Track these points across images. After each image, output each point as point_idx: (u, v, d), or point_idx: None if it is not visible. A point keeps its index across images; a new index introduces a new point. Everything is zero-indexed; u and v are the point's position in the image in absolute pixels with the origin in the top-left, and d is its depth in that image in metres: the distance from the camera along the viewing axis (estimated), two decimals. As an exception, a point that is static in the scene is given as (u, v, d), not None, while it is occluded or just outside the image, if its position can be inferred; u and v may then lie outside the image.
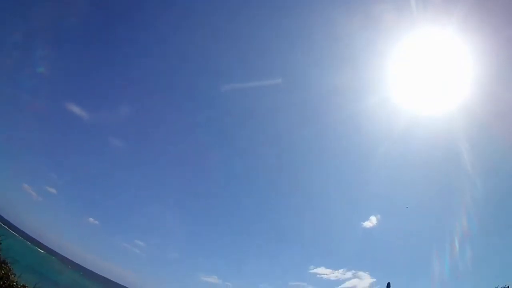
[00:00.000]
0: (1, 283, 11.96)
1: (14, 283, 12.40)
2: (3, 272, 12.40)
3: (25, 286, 12.87)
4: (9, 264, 13.44)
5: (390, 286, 11.47)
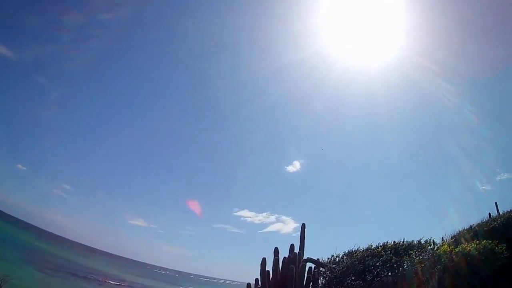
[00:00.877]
0: None
1: None
2: None
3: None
4: None
5: (305, 227, 12.23)
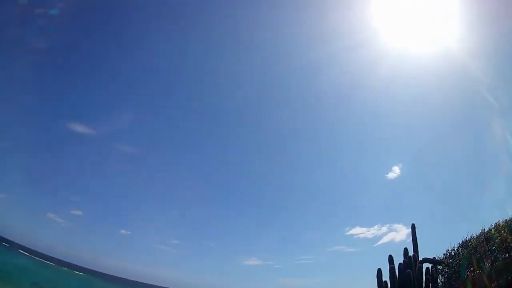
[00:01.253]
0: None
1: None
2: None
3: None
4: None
5: (415, 228, 12.21)
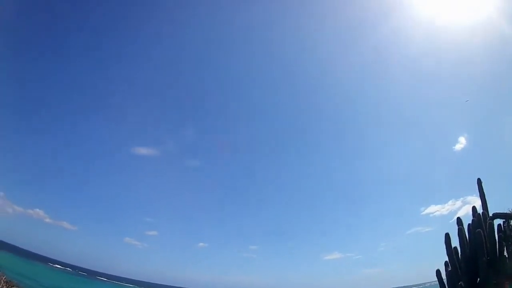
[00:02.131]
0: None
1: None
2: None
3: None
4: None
5: (481, 182, 11.02)
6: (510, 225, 11.06)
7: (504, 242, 10.84)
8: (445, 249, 11.26)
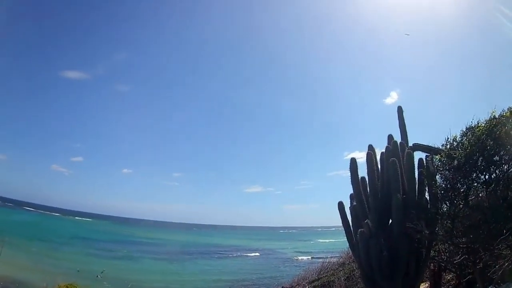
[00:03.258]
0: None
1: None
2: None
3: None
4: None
5: (402, 111, 8.48)
6: (435, 161, 8.17)
7: (426, 180, 7.90)
8: (350, 176, 8.09)
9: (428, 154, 8.46)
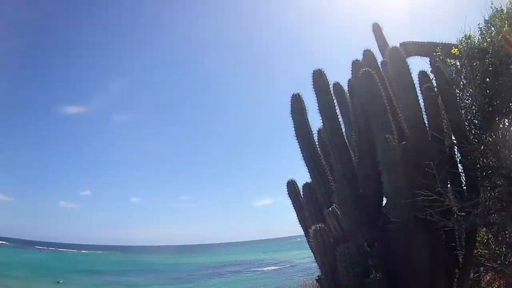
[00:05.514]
0: None
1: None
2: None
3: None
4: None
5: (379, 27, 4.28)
6: (448, 64, 4.00)
7: (440, 101, 3.78)
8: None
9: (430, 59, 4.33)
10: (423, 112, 3.88)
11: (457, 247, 3.52)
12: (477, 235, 3.73)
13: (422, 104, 3.93)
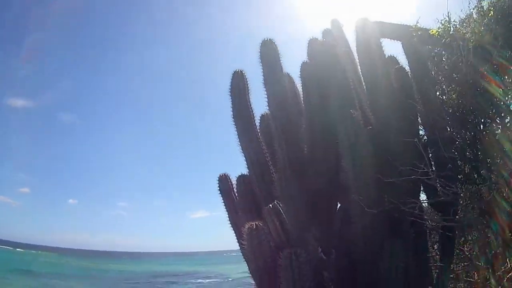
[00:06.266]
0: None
1: None
2: None
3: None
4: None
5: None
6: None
7: (414, 84, 3.14)
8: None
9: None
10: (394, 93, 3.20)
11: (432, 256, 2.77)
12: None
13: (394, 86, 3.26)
